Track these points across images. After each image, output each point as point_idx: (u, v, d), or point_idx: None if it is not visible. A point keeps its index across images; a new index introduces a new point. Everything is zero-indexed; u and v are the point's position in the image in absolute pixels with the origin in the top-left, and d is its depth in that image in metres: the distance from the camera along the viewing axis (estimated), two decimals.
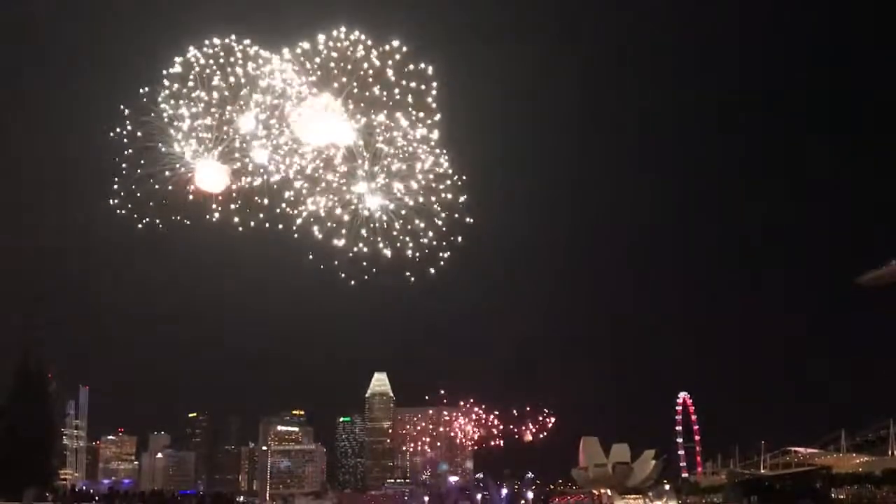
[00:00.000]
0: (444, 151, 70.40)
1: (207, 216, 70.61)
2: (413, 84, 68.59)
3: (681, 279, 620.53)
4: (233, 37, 70.19)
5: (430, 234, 69.92)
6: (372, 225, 69.28)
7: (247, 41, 70.32)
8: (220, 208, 70.18)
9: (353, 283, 70.71)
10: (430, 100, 69.01)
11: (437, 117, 69.42)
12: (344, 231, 68.73)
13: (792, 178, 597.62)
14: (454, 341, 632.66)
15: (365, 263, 69.96)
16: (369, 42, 68.77)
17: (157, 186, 69.55)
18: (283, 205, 70.26)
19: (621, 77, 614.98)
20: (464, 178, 70.99)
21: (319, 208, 69.27)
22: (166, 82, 69.55)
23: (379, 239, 69.21)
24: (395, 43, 68.74)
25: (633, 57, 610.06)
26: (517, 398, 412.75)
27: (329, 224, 69.39)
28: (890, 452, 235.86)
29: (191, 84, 69.31)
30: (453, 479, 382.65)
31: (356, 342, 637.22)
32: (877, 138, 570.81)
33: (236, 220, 70.48)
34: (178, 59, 69.78)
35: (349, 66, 67.77)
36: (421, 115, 69.32)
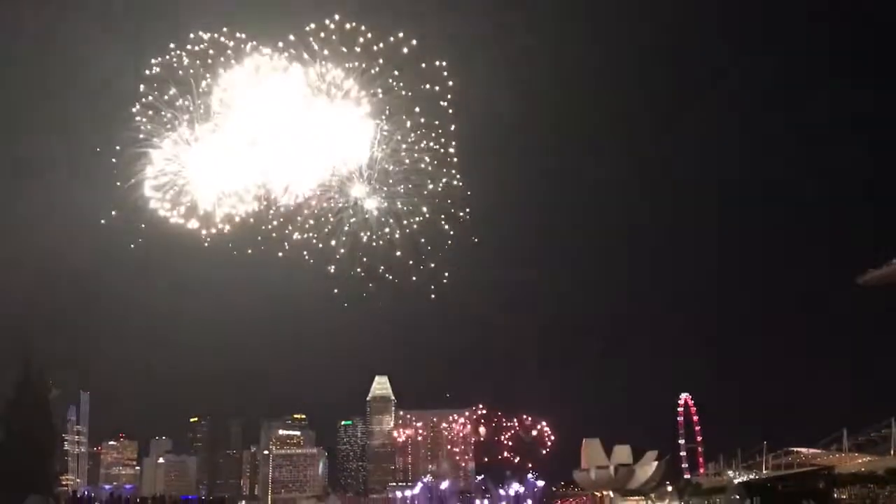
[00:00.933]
0: (455, 159, 67.07)
1: (203, 234, 67.14)
2: (427, 86, 64.93)
3: (682, 279, 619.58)
4: (224, 30, 65.25)
5: (434, 251, 67.17)
6: (373, 243, 66.29)
7: (241, 35, 65.53)
8: (211, 233, 66.53)
9: (346, 304, 68.41)
10: (444, 103, 65.62)
11: (452, 127, 66.23)
12: (338, 256, 66.02)
13: (793, 177, 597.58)
14: (455, 344, 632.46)
15: (362, 274, 67.62)
16: (370, 35, 64.65)
17: (146, 204, 66.06)
18: (273, 227, 66.95)
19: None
20: (468, 192, 68.09)
21: (312, 236, 66.37)
22: (143, 87, 65.19)
23: (378, 261, 66.39)
24: (401, 34, 65.07)
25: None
26: (518, 401, 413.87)
27: (320, 246, 66.56)
28: (892, 452, 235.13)
29: (173, 92, 64.71)
30: (454, 481, 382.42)
31: (357, 345, 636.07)
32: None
33: (231, 244, 66.95)
34: (154, 61, 65.15)
35: (349, 66, 64.14)
36: (436, 122, 66.04)
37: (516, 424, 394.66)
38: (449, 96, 66.48)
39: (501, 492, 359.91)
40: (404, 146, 67.11)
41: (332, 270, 67.46)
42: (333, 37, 64.54)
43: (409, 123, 66.71)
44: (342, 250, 67.32)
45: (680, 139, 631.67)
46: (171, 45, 65.60)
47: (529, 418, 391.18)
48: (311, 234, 67.46)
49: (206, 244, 66.46)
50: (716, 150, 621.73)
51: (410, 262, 67.69)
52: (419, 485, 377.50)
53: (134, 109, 66.04)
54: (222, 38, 65.71)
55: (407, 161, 66.97)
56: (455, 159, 67.38)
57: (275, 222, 67.88)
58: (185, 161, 66.06)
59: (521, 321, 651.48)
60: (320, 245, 67.22)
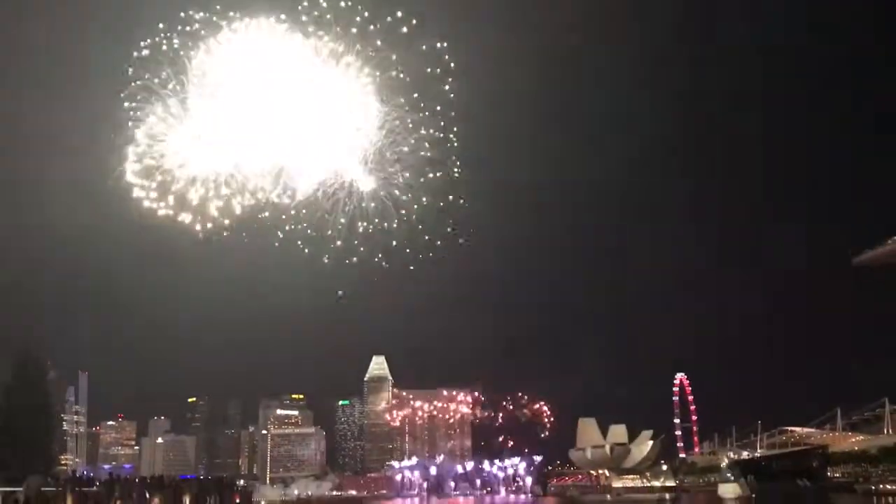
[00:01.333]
0: (455, 143, 65.07)
1: (197, 228, 64.64)
2: (428, 70, 62.59)
3: (678, 259, 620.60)
4: (217, 8, 61.72)
5: (433, 239, 65.74)
6: (369, 231, 64.83)
7: (233, 13, 61.76)
8: (206, 227, 64.03)
9: (340, 293, 67.27)
10: (446, 87, 63.20)
11: (453, 113, 64.11)
12: (333, 246, 64.74)
13: (790, 158, 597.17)
14: (453, 324, 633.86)
15: (357, 261, 66.68)
16: (366, 14, 61.45)
17: (130, 193, 63.48)
18: (267, 217, 64.97)
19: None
20: (468, 179, 66.32)
21: (306, 227, 64.81)
22: (131, 70, 61.37)
23: (376, 251, 65.18)
24: (399, 14, 61.89)
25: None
26: (515, 380, 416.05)
27: (314, 234, 64.97)
28: (885, 431, 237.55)
29: (164, 75, 61.13)
30: (451, 460, 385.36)
31: (355, 326, 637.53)
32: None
33: (225, 233, 64.67)
34: (143, 43, 61.15)
35: (345, 45, 61.84)
36: (437, 108, 63.70)
37: (513, 405, 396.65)
38: (450, 80, 63.74)
39: (497, 462, 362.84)
40: (403, 130, 64.73)
41: (327, 260, 65.85)
42: (328, 16, 61.49)
43: (407, 108, 64.04)
44: (338, 242, 65.52)
45: (679, 123, 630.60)
46: (161, 26, 62.48)
47: (525, 397, 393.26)
48: (305, 226, 65.65)
49: (200, 235, 64.25)
50: (717, 132, 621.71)
51: (408, 251, 65.79)
52: (414, 459, 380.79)
53: (122, 94, 63.26)
54: (214, 17, 62.71)
55: (405, 148, 64.93)
56: (455, 143, 65.15)
57: (266, 213, 65.89)
58: (172, 142, 63.16)
59: (518, 305, 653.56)
60: (314, 233, 65.30)
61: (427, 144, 64.67)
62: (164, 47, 61.98)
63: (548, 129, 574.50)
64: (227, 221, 64.55)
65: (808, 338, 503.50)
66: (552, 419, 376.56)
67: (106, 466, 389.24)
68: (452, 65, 63.56)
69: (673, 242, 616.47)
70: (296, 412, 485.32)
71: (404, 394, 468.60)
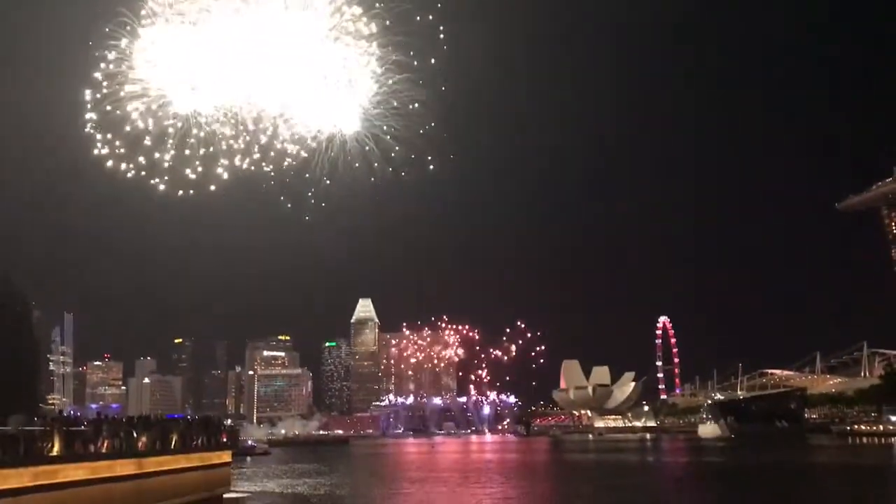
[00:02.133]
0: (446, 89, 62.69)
1: (180, 193, 61.43)
2: (418, 18, 59.17)
3: (661, 204, 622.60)
4: None
5: (417, 188, 64.24)
6: (352, 177, 62.88)
7: None
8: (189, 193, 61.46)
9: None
10: (441, 37, 60.60)
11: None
12: (317, 204, 62.84)
13: (771, 107, 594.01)
14: (438, 267, 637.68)
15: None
16: None
17: (90, 149, 59.98)
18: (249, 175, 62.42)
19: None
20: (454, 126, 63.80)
21: (287, 182, 62.49)
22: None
23: (359, 202, 63.57)
24: None
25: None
26: (500, 321, 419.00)
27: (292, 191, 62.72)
28: (863, 374, 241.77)
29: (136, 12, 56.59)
30: (437, 400, 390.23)
31: (342, 268, 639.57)
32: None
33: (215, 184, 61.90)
34: None
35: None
36: (431, 61, 61.00)
37: (498, 342, 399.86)
38: (442, 27, 61.18)
39: (482, 402, 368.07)
40: (387, 75, 62.13)
41: (308, 218, 64.17)
42: None
43: (394, 54, 61.34)
44: (323, 204, 63.67)
45: (665, 79, 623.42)
46: None
47: (506, 338, 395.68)
48: (288, 181, 63.57)
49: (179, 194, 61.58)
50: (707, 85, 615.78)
51: (392, 206, 64.04)
52: (400, 399, 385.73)
53: (97, 53, 59.29)
54: None
55: (390, 96, 62.49)
56: (444, 88, 62.69)
57: (244, 170, 63.40)
58: (138, 84, 59.57)
59: (501, 243, 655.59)
60: (294, 191, 63.34)
61: (416, 104, 62.60)
62: None
63: (538, 79, 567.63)
64: (212, 188, 61.99)
65: (789, 282, 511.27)
66: (541, 360, 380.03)
67: (93, 406, 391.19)
68: (441, 27, 60.95)
69: (653, 185, 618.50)
70: (282, 353, 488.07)
71: (388, 336, 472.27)
